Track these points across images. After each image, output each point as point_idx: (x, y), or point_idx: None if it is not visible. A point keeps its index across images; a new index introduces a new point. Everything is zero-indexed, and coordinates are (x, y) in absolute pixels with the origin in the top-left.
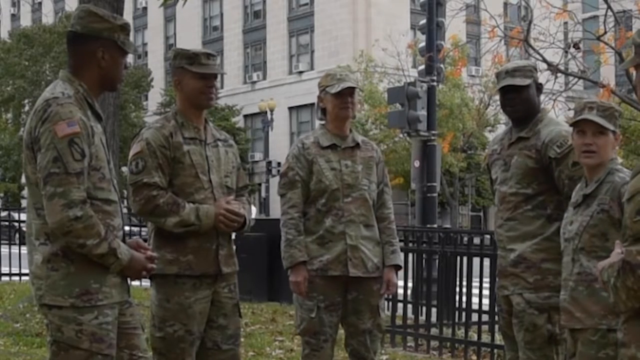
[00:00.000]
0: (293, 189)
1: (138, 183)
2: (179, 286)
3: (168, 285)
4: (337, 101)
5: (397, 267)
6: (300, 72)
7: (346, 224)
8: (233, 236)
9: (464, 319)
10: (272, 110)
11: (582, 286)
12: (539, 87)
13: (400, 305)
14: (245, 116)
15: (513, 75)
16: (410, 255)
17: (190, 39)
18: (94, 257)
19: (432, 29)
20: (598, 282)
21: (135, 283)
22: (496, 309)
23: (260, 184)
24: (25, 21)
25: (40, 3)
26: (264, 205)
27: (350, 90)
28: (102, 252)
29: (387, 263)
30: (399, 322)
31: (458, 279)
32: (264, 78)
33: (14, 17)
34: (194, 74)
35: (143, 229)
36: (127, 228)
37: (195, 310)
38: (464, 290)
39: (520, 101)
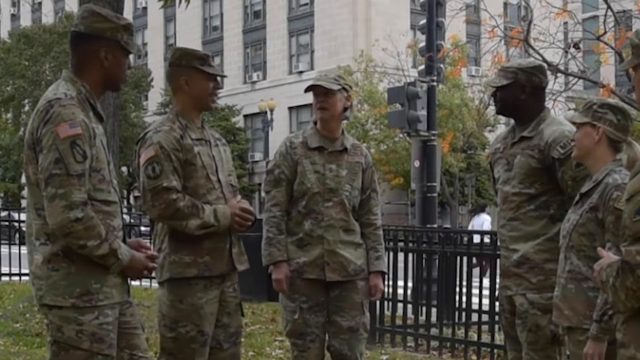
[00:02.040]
0: (277, 187)
1: (157, 188)
2: (192, 287)
3: (181, 287)
4: (314, 101)
5: (382, 273)
6: (300, 72)
7: (325, 229)
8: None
9: (464, 319)
10: (272, 110)
11: (571, 284)
12: (525, 89)
13: (400, 305)
14: (245, 116)
15: (498, 74)
16: (410, 255)
17: (190, 39)
18: (95, 258)
19: (432, 29)
20: (593, 281)
21: (135, 283)
22: (498, 309)
23: (260, 184)
24: (25, 21)
25: (40, 3)
26: (264, 205)
27: (323, 90)
28: (103, 253)
29: (372, 269)
30: (399, 322)
31: (458, 279)
32: (264, 78)
33: (14, 17)
34: (207, 75)
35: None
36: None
37: (207, 311)
38: (464, 290)
39: (497, 100)
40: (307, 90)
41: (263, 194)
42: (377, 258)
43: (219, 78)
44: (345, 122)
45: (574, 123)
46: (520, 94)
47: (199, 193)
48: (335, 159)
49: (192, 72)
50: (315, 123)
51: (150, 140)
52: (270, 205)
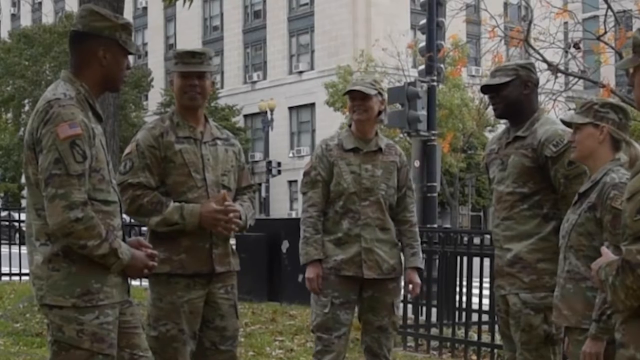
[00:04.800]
0: (314, 189)
1: (124, 183)
2: (171, 286)
3: (161, 285)
4: (350, 104)
5: (418, 270)
6: (300, 72)
7: (362, 227)
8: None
9: (464, 319)
10: (272, 110)
11: (570, 284)
12: (528, 84)
13: (400, 305)
14: (245, 116)
15: (494, 75)
16: None
17: (190, 39)
18: (95, 258)
19: (432, 29)
20: (591, 280)
21: (135, 283)
22: (495, 309)
23: (260, 184)
24: (25, 21)
25: (40, 3)
26: (264, 205)
27: (360, 94)
28: (104, 253)
29: (408, 265)
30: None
31: (458, 279)
32: (264, 78)
33: (14, 17)
34: (178, 73)
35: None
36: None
37: (187, 310)
38: (464, 290)
39: (499, 99)
40: (344, 94)
41: (264, 195)
42: (413, 254)
43: (209, 75)
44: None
45: (570, 124)
46: (524, 90)
47: (179, 190)
48: (370, 159)
49: (172, 72)
50: (349, 126)
51: (134, 138)
52: (307, 206)
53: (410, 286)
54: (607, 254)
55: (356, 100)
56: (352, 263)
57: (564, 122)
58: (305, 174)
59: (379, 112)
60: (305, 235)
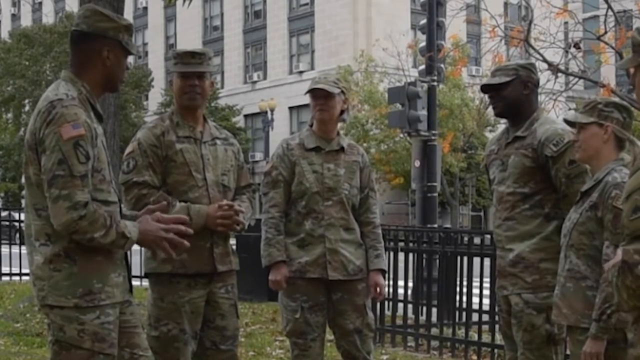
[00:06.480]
0: (275, 189)
1: (129, 182)
2: (173, 285)
3: (162, 284)
4: (313, 103)
5: (382, 272)
6: (301, 72)
7: (326, 227)
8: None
9: (464, 319)
10: (272, 110)
11: (570, 282)
12: (528, 85)
13: (400, 305)
14: (246, 116)
15: (494, 75)
16: (410, 255)
17: (190, 39)
18: (106, 246)
19: (433, 29)
20: (591, 280)
21: (136, 283)
22: (496, 309)
23: (260, 184)
24: (26, 21)
25: (40, 3)
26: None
27: (324, 93)
28: (112, 239)
29: (371, 267)
30: (399, 322)
31: (458, 278)
32: (265, 78)
33: (14, 17)
34: (177, 73)
35: None
36: None
37: (188, 310)
38: (464, 290)
39: (499, 98)
40: (307, 92)
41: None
42: (377, 256)
43: (209, 75)
44: (340, 124)
45: (573, 124)
46: (523, 90)
47: (179, 190)
48: (332, 158)
49: (172, 72)
50: (311, 125)
51: (134, 137)
52: (268, 207)
53: (377, 289)
54: (619, 255)
55: (319, 98)
56: (317, 265)
57: (567, 121)
58: (266, 174)
59: (342, 112)
60: (267, 236)
